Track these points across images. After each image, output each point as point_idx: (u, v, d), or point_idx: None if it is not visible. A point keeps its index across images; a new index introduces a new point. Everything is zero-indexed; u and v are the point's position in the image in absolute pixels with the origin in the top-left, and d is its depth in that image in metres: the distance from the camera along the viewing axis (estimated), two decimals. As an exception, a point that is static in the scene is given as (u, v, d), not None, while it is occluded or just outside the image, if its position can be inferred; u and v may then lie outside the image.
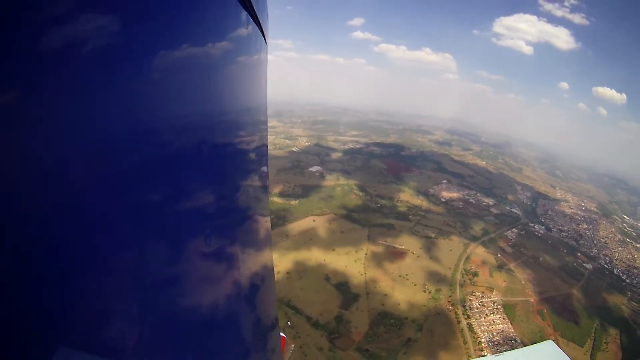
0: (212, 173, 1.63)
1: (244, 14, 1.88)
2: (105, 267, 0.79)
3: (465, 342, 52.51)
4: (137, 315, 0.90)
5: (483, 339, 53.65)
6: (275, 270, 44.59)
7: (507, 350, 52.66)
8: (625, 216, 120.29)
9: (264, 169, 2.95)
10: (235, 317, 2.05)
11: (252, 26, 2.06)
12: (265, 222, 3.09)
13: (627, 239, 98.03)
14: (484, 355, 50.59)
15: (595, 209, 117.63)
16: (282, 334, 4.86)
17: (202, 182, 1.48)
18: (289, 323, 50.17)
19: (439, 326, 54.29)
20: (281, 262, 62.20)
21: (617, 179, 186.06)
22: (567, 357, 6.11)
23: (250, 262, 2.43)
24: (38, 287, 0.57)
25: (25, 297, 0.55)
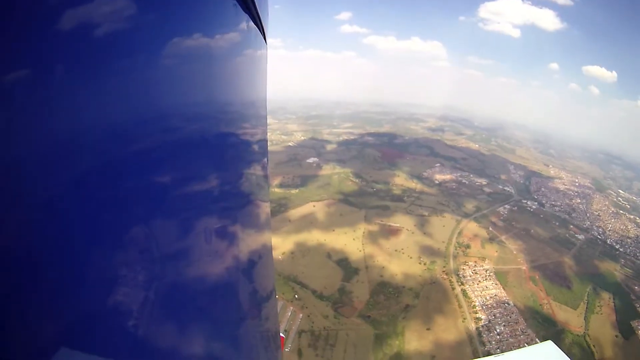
0: (216, 166, 1.72)
1: (245, 15, 1.98)
2: (109, 260, 0.80)
3: (460, 306, 57.63)
4: (133, 311, 0.91)
5: (477, 303, 58.63)
6: (280, 251, 50.62)
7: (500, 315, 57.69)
8: (620, 191, 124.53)
9: (265, 161, 3.04)
10: (235, 316, 2.12)
11: (252, 27, 2.17)
12: (265, 222, 3.12)
13: (621, 211, 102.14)
14: (480, 318, 55.93)
15: (589, 185, 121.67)
16: (281, 334, 4.89)
17: (205, 175, 1.53)
18: (296, 296, 55.53)
19: (434, 293, 59.45)
20: (284, 244, 67.35)
21: (612, 156, 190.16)
22: (567, 358, 5.95)
23: (250, 261, 2.51)
24: (39, 286, 0.57)
25: (26, 297, 0.55)
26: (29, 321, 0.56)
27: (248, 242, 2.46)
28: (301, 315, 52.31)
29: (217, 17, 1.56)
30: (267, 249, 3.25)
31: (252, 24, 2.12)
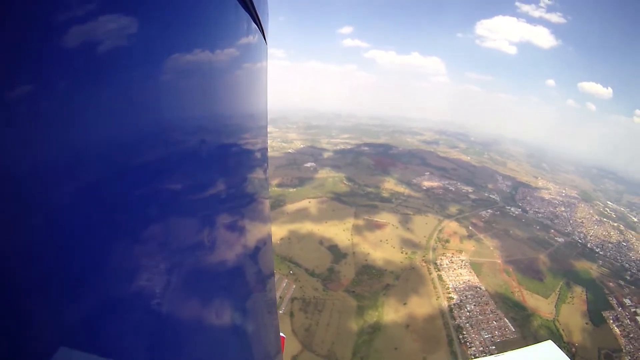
0: (219, 166, 1.78)
1: (245, 15, 2.02)
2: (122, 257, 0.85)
3: (435, 288, 67.24)
4: (134, 309, 0.93)
5: (450, 286, 68.19)
6: (277, 237, 63.55)
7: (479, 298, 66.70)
8: (608, 202, 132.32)
9: (265, 164, 3.15)
10: (236, 316, 2.15)
11: (253, 27, 2.23)
12: (265, 227, 3.22)
13: (604, 219, 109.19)
14: (452, 298, 65.41)
15: (576, 195, 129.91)
16: (282, 334, 4.93)
17: (205, 177, 1.58)
18: (291, 272, 66.19)
19: (413, 277, 69.47)
20: (281, 231, 78.31)
21: (606, 171, 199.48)
22: (567, 358, 5.80)
23: (251, 260, 2.60)
24: (40, 287, 0.59)
25: (27, 297, 0.56)
26: (29, 321, 0.56)
27: (250, 242, 2.56)
28: (294, 286, 62.86)
29: (218, 16, 1.62)
30: (268, 248, 3.33)
31: (252, 23, 2.22)
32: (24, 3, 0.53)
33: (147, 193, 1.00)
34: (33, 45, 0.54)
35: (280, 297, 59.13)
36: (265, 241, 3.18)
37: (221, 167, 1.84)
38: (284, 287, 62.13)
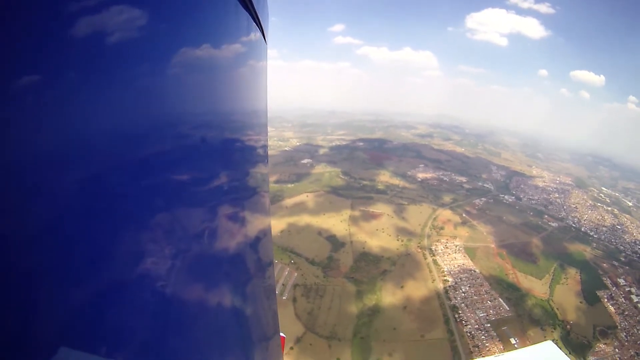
0: (220, 162, 1.83)
1: (245, 15, 2.06)
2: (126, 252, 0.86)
3: (430, 272, 70.84)
4: (135, 302, 0.93)
5: (445, 269, 71.65)
6: (277, 229, 67.42)
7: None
8: (603, 188, 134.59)
9: (265, 160, 3.26)
10: (235, 315, 2.18)
11: (253, 26, 2.26)
12: (264, 226, 3.26)
13: (599, 204, 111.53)
14: (447, 280, 68.91)
15: (570, 182, 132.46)
16: (282, 334, 4.94)
17: (208, 172, 1.63)
18: (292, 261, 70.07)
19: (409, 262, 73.17)
20: (280, 224, 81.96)
21: (601, 158, 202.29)
22: (567, 358, 6.02)
23: (252, 260, 2.66)
24: (40, 287, 0.58)
25: (26, 297, 0.56)
26: (29, 321, 0.56)
27: (250, 235, 2.57)
28: (296, 274, 66.79)
29: (218, 16, 1.64)
30: (267, 241, 3.38)
31: (252, 23, 2.25)
32: (24, 2, 0.54)
33: (153, 187, 1.04)
34: (31, 46, 0.55)
35: (283, 284, 62.95)
36: (265, 234, 3.29)
37: (223, 163, 1.94)
38: (286, 275, 65.93)
